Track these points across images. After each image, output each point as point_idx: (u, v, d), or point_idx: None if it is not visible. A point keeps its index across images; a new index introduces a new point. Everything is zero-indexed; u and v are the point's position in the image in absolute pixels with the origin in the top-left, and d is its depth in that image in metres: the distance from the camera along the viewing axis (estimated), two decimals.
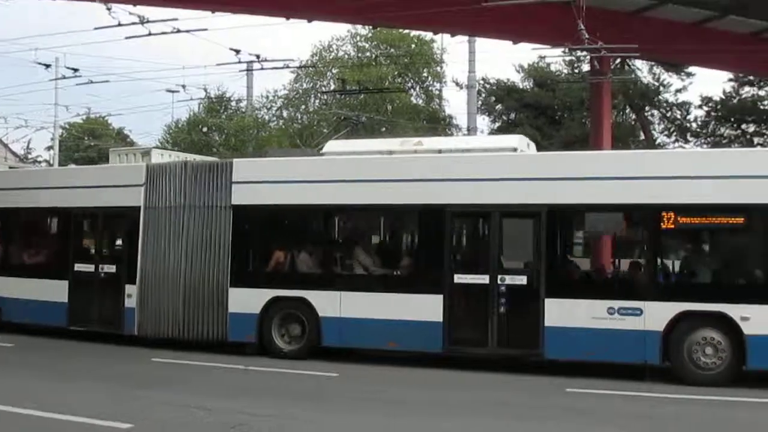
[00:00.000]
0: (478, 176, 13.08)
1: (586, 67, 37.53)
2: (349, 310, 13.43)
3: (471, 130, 28.08)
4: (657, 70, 46.81)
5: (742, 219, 11.96)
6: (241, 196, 14.29)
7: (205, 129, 46.79)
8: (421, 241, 14.13)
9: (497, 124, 47.37)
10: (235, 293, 14.12)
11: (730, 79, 47.68)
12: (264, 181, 14.37)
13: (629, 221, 13.08)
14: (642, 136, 47.92)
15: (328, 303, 13.60)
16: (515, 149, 13.89)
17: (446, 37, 35.82)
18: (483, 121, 46.30)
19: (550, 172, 12.86)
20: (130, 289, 14.96)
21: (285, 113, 49.48)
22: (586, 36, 21.00)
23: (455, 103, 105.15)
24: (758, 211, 11.72)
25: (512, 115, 47.13)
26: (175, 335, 14.72)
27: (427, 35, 42.47)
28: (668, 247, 12.88)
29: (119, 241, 16.15)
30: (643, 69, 46.58)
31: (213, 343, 14.48)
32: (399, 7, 24.48)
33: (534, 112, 44.81)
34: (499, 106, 47.68)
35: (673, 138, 48.73)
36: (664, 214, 12.00)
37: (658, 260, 12.54)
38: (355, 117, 31.89)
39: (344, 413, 10.24)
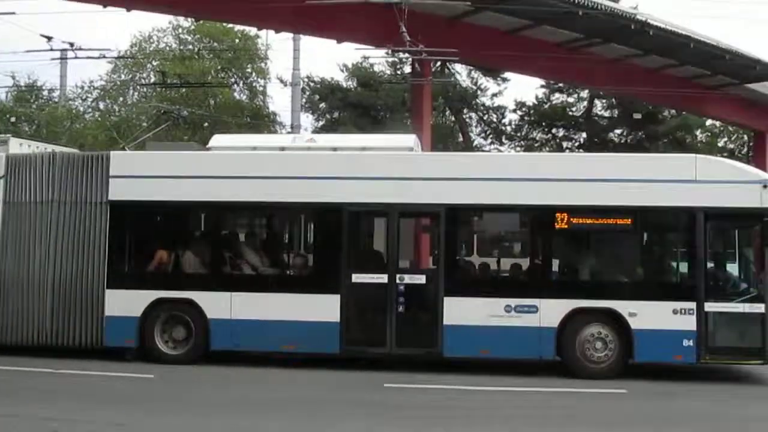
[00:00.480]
0: (377, 175, 12.95)
1: (408, 69, 38.28)
2: (241, 312, 12.86)
3: (295, 127, 28.02)
4: (475, 74, 48.57)
5: (630, 220, 12.63)
6: (119, 191, 13.33)
7: (13, 119, 43.94)
8: (317, 240, 13.88)
9: (321, 123, 47.56)
10: (113, 295, 13.19)
11: (542, 86, 50.23)
12: (146, 176, 13.45)
13: (525, 221, 13.34)
14: (461, 138, 49.56)
15: (218, 304, 12.94)
16: (411, 149, 13.90)
17: (271, 33, 35.49)
18: (307, 119, 46.34)
19: (448, 173, 12.93)
20: None
21: (102, 105, 47.38)
22: (408, 39, 21.44)
23: (279, 100, 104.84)
24: (644, 213, 12.51)
25: (336, 114, 47.47)
26: (43, 342, 13.51)
27: (252, 31, 41.94)
28: (562, 246, 13.22)
29: None
30: (462, 73, 48.24)
31: (87, 349, 13.43)
32: (220, 0, 24.04)
33: (357, 112, 45.27)
34: (323, 105, 47.85)
35: (489, 140, 50.81)
36: (557, 214, 12.45)
37: (553, 259, 12.95)
38: (176, 111, 31.04)
39: (154, 416, 9.93)
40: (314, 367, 13.03)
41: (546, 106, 51.54)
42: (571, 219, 12.52)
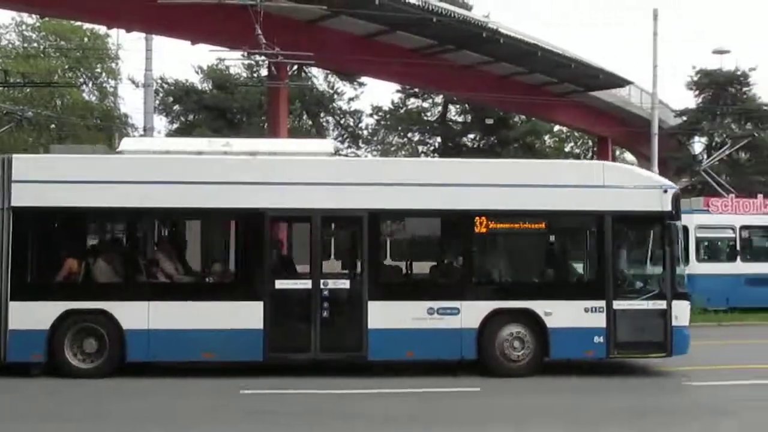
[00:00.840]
0: (299, 180, 12.69)
1: (264, 72, 37.98)
2: (158, 322, 12.18)
3: (147, 130, 27.14)
4: (332, 78, 48.80)
5: (544, 224, 13.20)
6: (23, 197, 12.23)
7: None
8: (239, 246, 13.23)
9: (175, 125, 46.54)
10: (17, 307, 12.06)
11: (398, 91, 50.99)
12: (54, 180, 12.39)
13: (446, 226, 13.50)
14: None
15: (134, 314, 12.21)
16: (332, 153, 13.87)
17: (122, 32, 34.30)
18: (160, 122, 45.18)
19: (370, 178, 12.94)
20: None
21: None
22: (264, 41, 21.21)
23: (131, 101, 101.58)
24: (557, 217, 13.06)
25: (191, 117, 46.54)
26: None
27: (102, 29, 40.45)
28: (481, 249, 13.42)
29: None
30: (319, 77, 48.32)
31: None
32: None
33: (213, 114, 44.59)
34: (177, 107, 46.85)
35: (346, 144, 51.11)
36: (476, 218, 12.72)
37: (473, 262, 13.17)
38: (19, 112, 29.56)
39: None
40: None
41: (402, 111, 52.39)
42: (489, 223, 12.86)
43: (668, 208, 12.99)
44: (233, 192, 12.58)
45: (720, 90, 44.18)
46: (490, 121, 47.51)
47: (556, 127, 55.31)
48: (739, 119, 44.08)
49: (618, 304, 12.74)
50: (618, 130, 45.02)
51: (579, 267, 13.96)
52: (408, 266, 14.16)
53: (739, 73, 44.73)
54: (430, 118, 53.22)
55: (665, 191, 13.08)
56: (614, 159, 53.84)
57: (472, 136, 52.45)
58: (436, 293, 12.85)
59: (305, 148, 13.99)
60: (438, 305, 12.58)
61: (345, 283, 12.76)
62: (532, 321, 12.70)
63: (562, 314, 12.66)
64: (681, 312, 12.87)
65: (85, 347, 12.22)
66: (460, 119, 53.67)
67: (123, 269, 12.81)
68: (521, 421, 9.99)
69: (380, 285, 12.69)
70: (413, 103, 52.47)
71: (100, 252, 12.99)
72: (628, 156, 58.31)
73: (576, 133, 60.82)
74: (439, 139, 52.66)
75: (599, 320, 12.67)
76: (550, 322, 12.62)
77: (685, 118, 44.96)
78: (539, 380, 12.52)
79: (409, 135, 53.95)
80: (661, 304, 12.80)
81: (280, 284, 12.52)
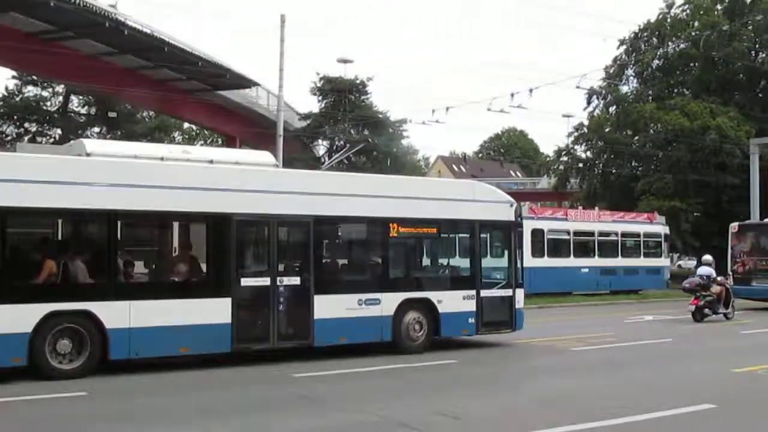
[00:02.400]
0: (256, 188, 13.88)
1: None
2: (140, 320, 12.52)
3: None
4: None
5: (436, 229, 16.01)
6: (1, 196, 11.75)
7: None
8: (210, 248, 13.83)
9: None
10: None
11: (14, 77, 47.13)
12: (27, 180, 12.03)
13: (370, 230, 15.43)
14: None
15: (116, 314, 12.38)
16: (276, 165, 15.60)
17: None
18: None
19: (315, 188, 14.66)
20: None
21: None
22: None
23: None
24: (444, 224, 15.92)
25: None
26: None
27: None
28: (395, 249, 15.65)
29: None
30: None
31: None
32: None
33: None
34: None
35: None
36: (391, 224, 15.07)
37: (389, 260, 15.43)
38: None
39: None
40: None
41: (18, 99, 48.51)
42: (400, 228, 15.30)
43: (513, 218, 16.54)
44: (201, 197, 13.36)
45: (341, 96, 46.74)
46: (113, 115, 45.70)
47: (186, 124, 54.80)
48: (357, 125, 46.98)
49: (483, 293, 15.94)
50: (246, 130, 45.69)
51: (459, 263, 16.80)
52: (343, 264, 15.92)
53: (358, 81, 47.72)
54: (50, 108, 49.88)
55: (511, 205, 16.62)
56: None
57: (97, 129, 50.04)
58: (364, 287, 14.94)
59: (253, 159, 15.11)
60: (365, 297, 14.74)
61: (296, 280, 14.12)
62: (428, 308, 15.38)
63: (448, 302, 15.54)
64: (520, 298, 16.46)
65: (62, 348, 12.11)
66: (83, 111, 50.98)
67: (103, 270, 12.83)
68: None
69: (323, 281, 14.39)
70: (31, 91, 48.83)
71: (80, 253, 12.83)
72: None
73: (206, 132, 60.90)
74: (59, 131, 49.46)
75: (472, 305, 15.81)
76: (441, 308, 15.43)
77: (309, 122, 46.95)
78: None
79: (26, 125, 50.09)
80: (509, 292, 16.24)
81: (245, 282, 13.63)
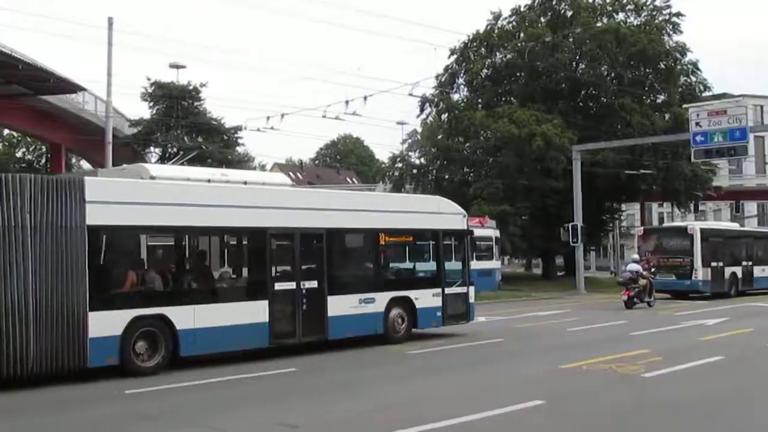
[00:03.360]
0: (282, 205, 16.19)
1: None
2: (202, 321, 14.41)
3: None
4: None
5: (411, 238, 19.38)
6: (96, 215, 13.28)
7: None
8: (251, 257, 16.54)
9: None
10: (95, 316, 13.04)
11: None
12: (121, 202, 13.83)
13: (366, 239, 18.27)
14: None
15: (184, 316, 14.24)
16: (293, 185, 19.05)
17: None
18: None
19: (326, 205, 17.24)
20: None
21: None
22: None
23: None
24: (419, 233, 19.26)
25: None
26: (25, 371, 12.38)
27: None
28: (384, 255, 18.52)
29: None
30: None
31: (67, 372, 12.74)
32: None
33: None
34: None
35: None
36: (380, 234, 17.88)
37: (380, 265, 18.37)
38: None
39: None
40: None
41: None
42: (387, 237, 18.17)
43: (465, 226, 19.84)
44: (242, 214, 15.43)
45: (174, 102, 45.47)
46: None
47: (6, 131, 51.74)
48: (191, 132, 45.84)
49: (447, 291, 18.91)
50: (73, 138, 43.53)
51: (430, 266, 19.61)
52: (347, 268, 18.14)
53: (191, 87, 46.61)
54: None
55: (464, 216, 19.99)
56: (69, 167, 52.24)
57: None
58: (363, 288, 17.46)
59: (276, 180, 18.67)
60: (364, 297, 17.26)
61: (314, 283, 16.28)
62: (408, 304, 18.18)
63: (423, 298, 18.44)
64: (473, 294, 19.68)
65: (143, 348, 13.77)
66: None
67: (176, 279, 14.94)
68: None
69: (334, 284, 16.64)
70: None
71: (153, 264, 15.16)
72: (85, 164, 56.91)
73: (29, 139, 57.76)
74: None
75: (439, 302, 18.76)
76: (418, 305, 18.29)
77: (140, 128, 45.38)
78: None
79: None
80: (465, 289, 19.39)
81: (278, 286, 15.78)
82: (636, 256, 30.86)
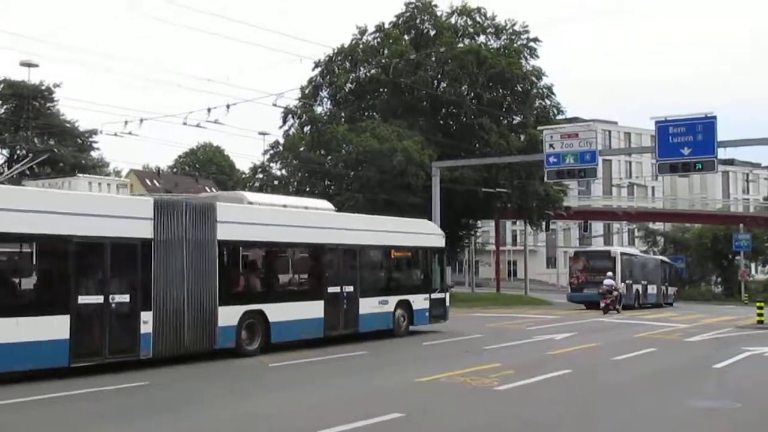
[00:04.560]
0: (333, 226, 20.56)
1: None
2: (285, 316, 18.65)
3: None
4: None
5: (410, 253, 24.14)
6: (227, 233, 17.12)
7: None
8: (312, 266, 20.39)
9: None
10: (222, 311, 16.84)
11: None
12: (246, 222, 17.95)
13: (384, 254, 22.97)
14: None
15: (274, 311, 18.30)
16: (335, 209, 22.62)
17: None
18: None
19: (360, 226, 21.94)
20: (146, 316, 15.37)
21: None
22: None
23: None
24: (416, 249, 23.84)
25: None
26: (182, 351, 16.12)
27: None
28: (393, 267, 23.62)
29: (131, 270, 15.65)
30: None
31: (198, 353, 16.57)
32: None
33: None
34: None
35: None
36: (391, 250, 22.89)
37: (390, 273, 23.28)
38: None
39: None
40: None
41: None
42: (394, 252, 23.16)
43: (444, 244, 24.99)
44: (307, 233, 19.60)
45: (24, 102, 43.36)
46: None
47: None
48: (42, 134, 43.84)
49: (433, 296, 23.91)
50: None
51: (420, 275, 24.26)
52: (370, 276, 22.19)
53: (44, 87, 44.60)
54: None
55: (443, 236, 25.30)
56: None
57: None
58: (380, 292, 22.04)
59: (323, 205, 21.80)
60: (381, 299, 21.79)
61: (351, 288, 20.69)
62: (407, 306, 22.94)
63: (417, 301, 23.31)
64: (448, 299, 25.14)
65: (244, 336, 17.60)
66: None
67: (266, 282, 19.00)
68: None
69: (362, 288, 21.08)
70: None
71: (254, 270, 18.82)
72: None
73: None
74: None
75: (427, 304, 23.74)
76: (414, 306, 23.06)
77: None
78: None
79: None
80: (443, 295, 24.64)
81: (330, 290, 20.01)
82: (610, 273, 37.76)
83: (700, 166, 31.53)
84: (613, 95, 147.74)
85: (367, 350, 18.96)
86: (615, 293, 35.97)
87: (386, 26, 47.84)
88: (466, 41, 47.70)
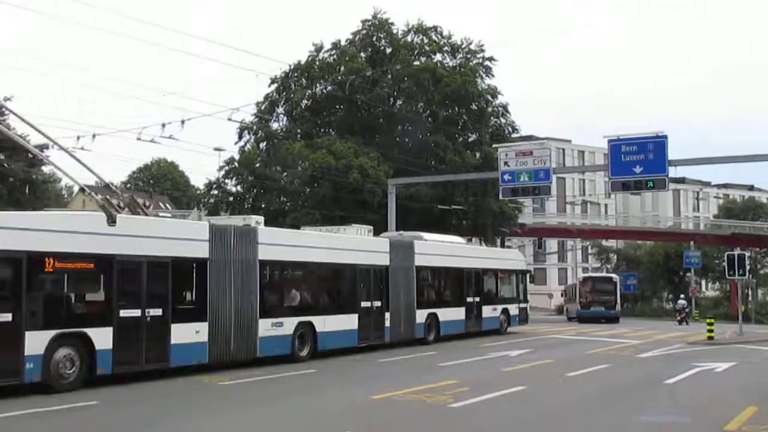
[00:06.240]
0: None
1: None
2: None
3: None
4: None
5: (507, 274, 32.95)
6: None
7: None
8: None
9: None
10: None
11: None
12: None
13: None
14: None
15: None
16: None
17: None
18: None
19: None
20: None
21: None
22: None
23: None
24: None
25: None
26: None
27: None
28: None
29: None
30: None
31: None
32: None
33: None
34: None
35: None
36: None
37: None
38: None
39: None
40: None
41: None
42: (500, 274, 31.50)
43: (526, 267, 33.05)
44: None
45: None
46: None
47: None
48: None
49: (517, 305, 32.73)
50: None
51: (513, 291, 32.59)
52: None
53: None
54: None
55: (525, 260, 32.22)
56: None
57: None
58: (492, 302, 30.56)
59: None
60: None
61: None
62: (507, 312, 31.69)
63: (512, 309, 32.09)
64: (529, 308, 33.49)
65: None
66: None
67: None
68: None
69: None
70: None
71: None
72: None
73: None
74: None
75: (517, 311, 32.28)
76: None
77: None
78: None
79: None
80: (526, 305, 34.27)
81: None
82: (683, 295, 56.42)
83: (652, 184, 32.11)
84: (567, 114, 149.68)
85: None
86: (687, 310, 49.59)
87: (343, 43, 47.86)
88: (423, 59, 47.89)
